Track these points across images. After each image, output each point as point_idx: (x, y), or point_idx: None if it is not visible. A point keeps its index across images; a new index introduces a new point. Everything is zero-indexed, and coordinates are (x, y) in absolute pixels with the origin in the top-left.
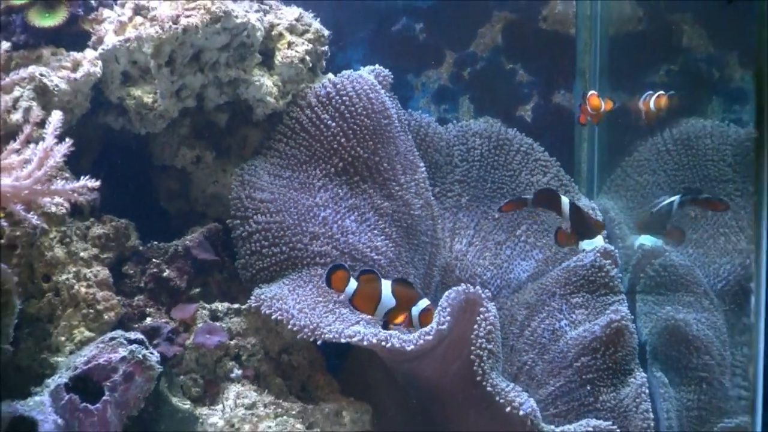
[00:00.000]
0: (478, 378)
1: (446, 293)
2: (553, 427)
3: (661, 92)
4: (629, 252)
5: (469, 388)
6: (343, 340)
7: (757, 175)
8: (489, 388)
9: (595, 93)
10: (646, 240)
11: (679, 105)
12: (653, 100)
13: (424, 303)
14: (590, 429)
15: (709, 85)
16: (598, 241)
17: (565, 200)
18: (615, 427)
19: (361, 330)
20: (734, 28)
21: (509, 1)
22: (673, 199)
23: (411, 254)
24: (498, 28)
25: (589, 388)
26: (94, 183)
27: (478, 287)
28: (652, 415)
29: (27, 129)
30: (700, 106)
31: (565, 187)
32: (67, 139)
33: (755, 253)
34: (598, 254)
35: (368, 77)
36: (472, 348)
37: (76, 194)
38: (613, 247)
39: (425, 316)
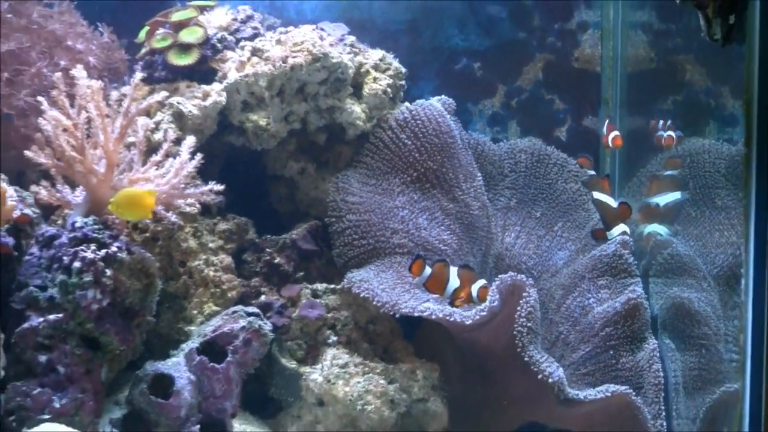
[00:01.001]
0: (519, 350)
1: (497, 278)
2: (576, 391)
3: (671, 133)
4: (641, 242)
5: (514, 356)
6: (416, 314)
7: (745, 183)
8: (526, 359)
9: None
10: (657, 229)
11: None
12: (665, 138)
13: (481, 282)
14: (609, 393)
15: (706, 112)
16: (619, 231)
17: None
18: (631, 390)
19: (430, 306)
20: (727, 67)
21: (547, 44)
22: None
23: (471, 245)
24: (539, 66)
25: (611, 352)
26: (219, 187)
27: (522, 275)
28: (662, 374)
29: (165, 146)
30: (700, 128)
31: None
32: (198, 155)
33: (744, 245)
34: (619, 245)
35: (437, 105)
36: (515, 325)
37: (204, 196)
38: (630, 239)
39: (483, 293)
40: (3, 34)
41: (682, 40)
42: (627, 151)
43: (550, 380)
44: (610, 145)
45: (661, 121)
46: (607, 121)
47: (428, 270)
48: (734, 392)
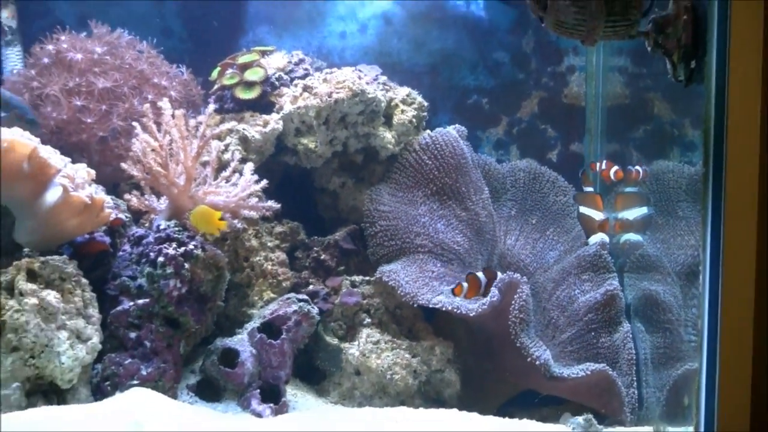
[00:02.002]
0: (512, 337)
1: (500, 277)
2: (562, 369)
3: (638, 167)
4: (618, 247)
5: (511, 339)
6: (430, 306)
7: (703, 197)
8: (518, 344)
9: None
10: (632, 237)
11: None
12: (634, 172)
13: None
14: (588, 372)
15: (671, 139)
16: (598, 237)
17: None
18: (607, 367)
19: (442, 299)
20: (688, 103)
21: (542, 84)
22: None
23: (479, 246)
24: (535, 101)
25: (593, 333)
26: (276, 206)
27: (518, 275)
28: (634, 351)
29: (233, 164)
30: (665, 153)
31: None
32: (263, 181)
33: (702, 248)
34: (599, 247)
35: (452, 132)
36: (510, 316)
37: (263, 210)
38: (607, 241)
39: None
40: (102, 72)
41: (652, 80)
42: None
43: (537, 362)
44: (612, 178)
45: (598, 164)
46: (605, 160)
47: (465, 285)
48: (693, 368)
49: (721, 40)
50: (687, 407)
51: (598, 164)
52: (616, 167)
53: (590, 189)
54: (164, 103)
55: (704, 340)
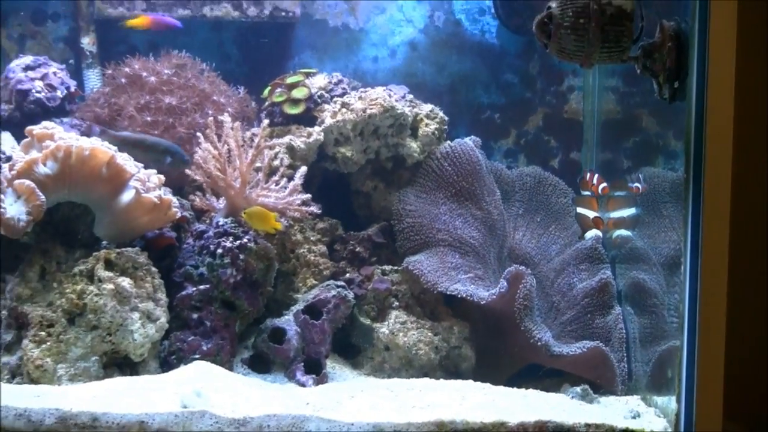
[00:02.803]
0: (518, 321)
1: (507, 269)
2: (561, 348)
3: (638, 184)
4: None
5: (517, 322)
6: (448, 292)
7: (684, 199)
8: (522, 328)
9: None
10: (623, 233)
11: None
12: (634, 188)
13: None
14: (585, 349)
15: (656, 149)
16: (593, 233)
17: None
18: (601, 343)
19: (458, 287)
20: (672, 117)
21: (546, 101)
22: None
23: (492, 240)
24: (540, 116)
25: (589, 315)
26: (317, 210)
27: (523, 267)
28: (624, 331)
29: (281, 170)
30: (651, 161)
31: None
32: (303, 175)
33: (683, 242)
34: (594, 241)
35: (469, 142)
36: (516, 303)
37: (306, 214)
38: (601, 236)
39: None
40: (169, 91)
41: (640, 98)
42: (600, 173)
43: (539, 343)
44: (600, 192)
45: (589, 174)
46: (597, 175)
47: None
48: (675, 345)
49: (700, 63)
50: (670, 379)
51: (589, 176)
52: (604, 184)
53: (587, 193)
54: (225, 117)
55: (685, 321)
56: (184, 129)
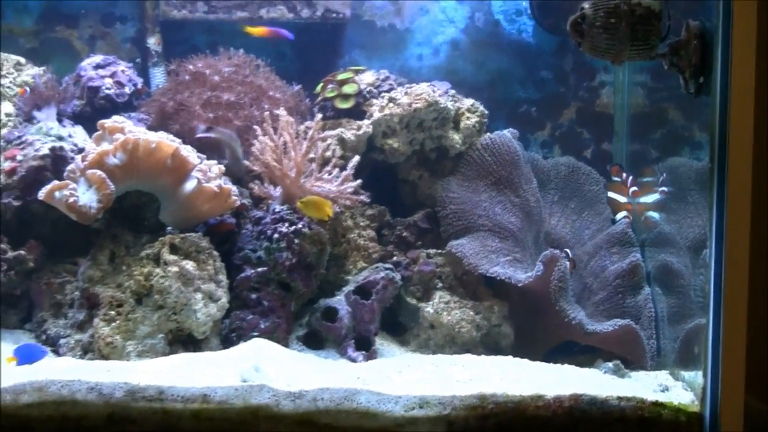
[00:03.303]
0: (552, 301)
1: (543, 253)
2: (594, 325)
3: (664, 188)
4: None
5: (552, 302)
6: (488, 275)
7: (709, 186)
8: (557, 308)
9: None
10: (653, 214)
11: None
12: (659, 191)
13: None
14: (617, 326)
15: (682, 140)
16: (623, 215)
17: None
18: (631, 321)
19: (498, 269)
20: (697, 111)
21: (579, 96)
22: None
23: (529, 226)
24: (573, 110)
25: (620, 296)
26: (366, 198)
27: (558, 251)
28: (653, 310)
29: (334, 160)
30: (678, 151)
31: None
32: (354, 166)
33: (708, 227)
34: (625, 225)
35: (507, 134)
36: (551, 284)
37: (357, 202)
38: (630, 220)
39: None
40: (228, 87)
41: (667, 93)
42: (630, 163)
43: (573, 322)
44: (630, 195)
45: (619, 170)
46: (630, 178)
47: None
48: (702, 324)
49: (724, 60)
50: (697, 355)
51: (624, 176)
52: (635, 187)
53: (617, 179)
54: (280, 111)
55: (710, 301)
56: (240, 122)
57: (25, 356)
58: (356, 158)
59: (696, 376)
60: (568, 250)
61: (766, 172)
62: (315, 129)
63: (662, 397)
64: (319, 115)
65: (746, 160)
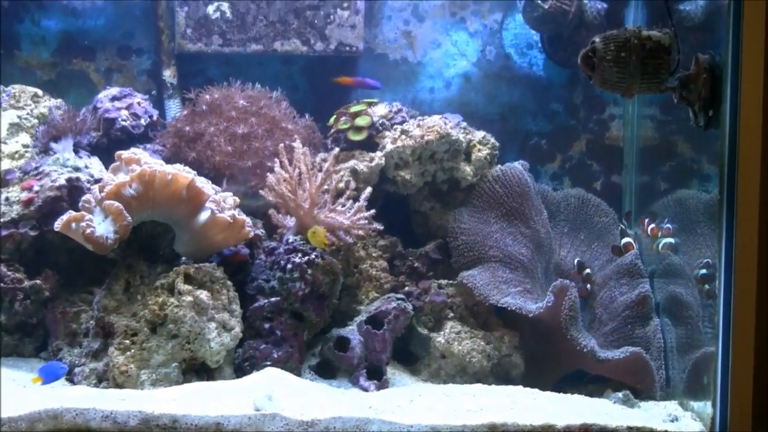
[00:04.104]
0: (563, 330)
1: (552, 284)
2: (606, 353)
3: (669, 225)
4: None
5: (563, 331)
6: (498, 305)
7: (719, 218)
8: (569, 336)
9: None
10: (667, 240)
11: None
12: (663, 229)
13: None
14: (628, 353)
15: (691, 172)
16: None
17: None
18: (642, 350)
19: (509, 300)
20: (706, 143)
21: (589, 128)
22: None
23: (539, 257)
24: (583, 142)
25: (629, 326)
26: (379, 227)
27: (567, 281)
28: (662, 341)
29: (348, 192)
30: (686, 183)
31: (616, 223)
32: (367, 198)
33: (718, 259)
34: (634, 257)
35: (518, 166)
36: (561, 314)
37: (369, 231)
38: (638, 254)
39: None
40: (242, 118)
41: (676, 125)
42: (639, 195)
43: (585, 350)
44: (649, 234)
45: (647, 220)
46: (646, 219)
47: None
48: (710, 353)
49: (733, 94)
50: (706, 385)
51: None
52: (652, 225)
53: (628, 239)
54: (296, 144)
55: (720, 332)
56: (254, 156)
57: (50, 374)
58: (368, 190)
59: (705, 406)
60: (588, 270)
61: None
62: (332, 162)
63: (672, 427)
64: (336, 150)
65: (755, 193)
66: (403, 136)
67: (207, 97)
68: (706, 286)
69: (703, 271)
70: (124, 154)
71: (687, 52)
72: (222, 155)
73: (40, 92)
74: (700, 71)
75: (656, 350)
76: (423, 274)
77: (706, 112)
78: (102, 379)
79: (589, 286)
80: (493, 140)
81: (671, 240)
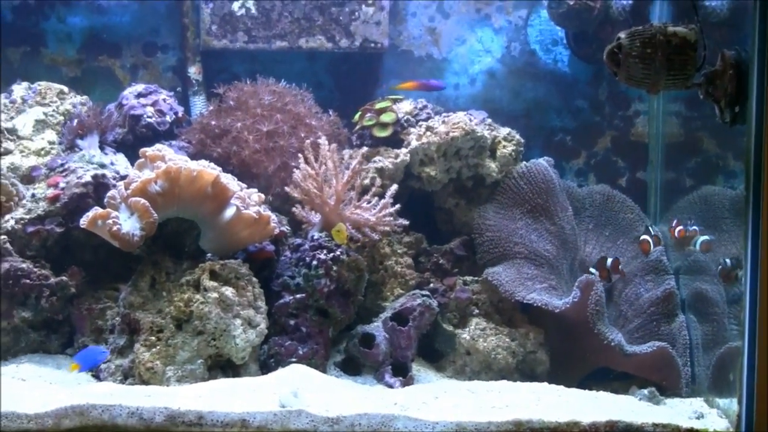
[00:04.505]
0: (590, 325)
1: (579, 279)
2: (632, 348)
3: (695, 227)
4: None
5: (589, 327)
6: (524, 302)
7: (745, 215)
8: (596, 331)
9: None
10: (705, 237)
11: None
12: (689, 231)
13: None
14: (655, 348)
15: (716, 169)
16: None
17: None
18: (668, 345)
19: (534, 296)
20: (732, 140)
21: (614, 125)
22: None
23: (564, 253)
24: (608, 139)
25: (654, 323)
26: (405, 222)
27: (593, 276)
28: (688, 338)
29: (373, 189)
30: (712, 180)
31: (642, 219)
32: (392, 200)
33: (744, 255)
34: (659, 253)
35: (543, 162)
36: (588, 309)
37: (395, 226)
38: (663, 250)
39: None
40: (267, 115)
41: (701, 122)
42: (664, 191)
43: (612, 344)
44: (676, 236)
45: (675, 221)
46: (675, 221)
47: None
48: (736, 350)
49: (759, 89)
50: (732, 382)
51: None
52: (680, 227)
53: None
54: (322, 141)
55: (746, 329)
56: (279, 155)
57: (87, 360)
58: (394, 187)
59: (731, 403)
60: (655, 229)
61: None
62: (358, 160)
63: (697, 424)
64: (364, 148)
65: None
66: (429, 133)
67: (234, 93)
68: (727, 266)
69: (727, 260)
70: (149, 151)
71: (713, 48)
72: (250, 151)
73: (65, 89)
74: (726, 67)
75: (682, 347)
76: (448, 271)
77: (731, 108)
78: (128, 376)
79: (617, 276)
80: (518, 136)
81: (707, 237)
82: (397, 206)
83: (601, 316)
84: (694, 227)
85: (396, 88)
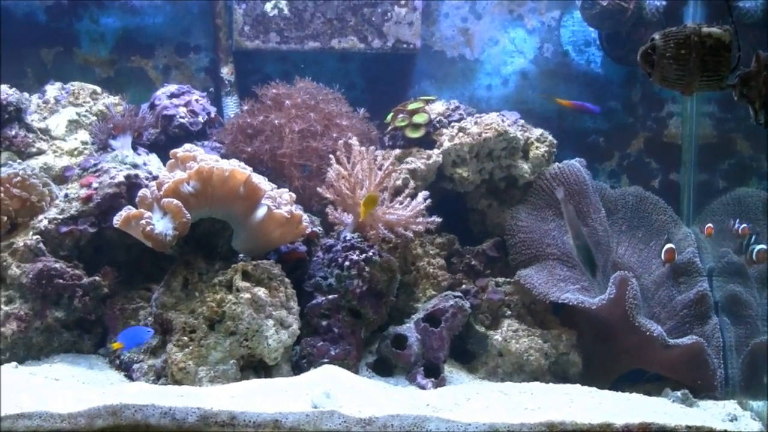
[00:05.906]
0: (631, 318)
1: (613, 276)
2: (673, 340)
3: (745, 225)
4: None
5: (625, 323)
6: (559, 301)
7: None
8: (636, 324)
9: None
10: (762, 246)
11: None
12: (741, 229)
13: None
14: (694, 340)
15: (750, 170)
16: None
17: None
18: (704, 341)
19: (569, 296)
20: (766, 140)
21: (647, 126)
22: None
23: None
24: (641, 140)
25: (687, 325)
26: (438, 219)
27: (627, 272)
28: (721, 340)
29: (407, 190)
30: (745, 181)
31: (674, 221)
32: (423, 200)
33: None
34: (692, 255)
35: (575, 164)
36: (626, 303)
37: (428, 224)
38: (696, 252)
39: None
40: (300, 115)
41: (735, 123)
42: (697, 193)
43: (654, 335)
44: (740, 233)
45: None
46: (731, 221)
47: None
48: None
49: None
50: (766, 384)
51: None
52: (744, 225)
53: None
54: (354, 141)
55: None
56: (311, 151)
57: (132, 339)
58: (425, 193)
59: (765, 406)
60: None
61: None
62: (391, 161)
63: (731, 427)
64: (397, 150)
65: None
66: (461, 134)
67: (273, 91)
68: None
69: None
70: (179, 151)
71: (747, 49)
72: (287, 149)
73: (98, 89)
74: (761, 68)
75: (715, 349)
76: (480, 272)
77: (766, 110)
78: (160, 376)
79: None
80: (550, 137)
81: (764, 246)
82: (428, 201)
83: (640, 310)
84: (745, 225)
85: (556, 101)
